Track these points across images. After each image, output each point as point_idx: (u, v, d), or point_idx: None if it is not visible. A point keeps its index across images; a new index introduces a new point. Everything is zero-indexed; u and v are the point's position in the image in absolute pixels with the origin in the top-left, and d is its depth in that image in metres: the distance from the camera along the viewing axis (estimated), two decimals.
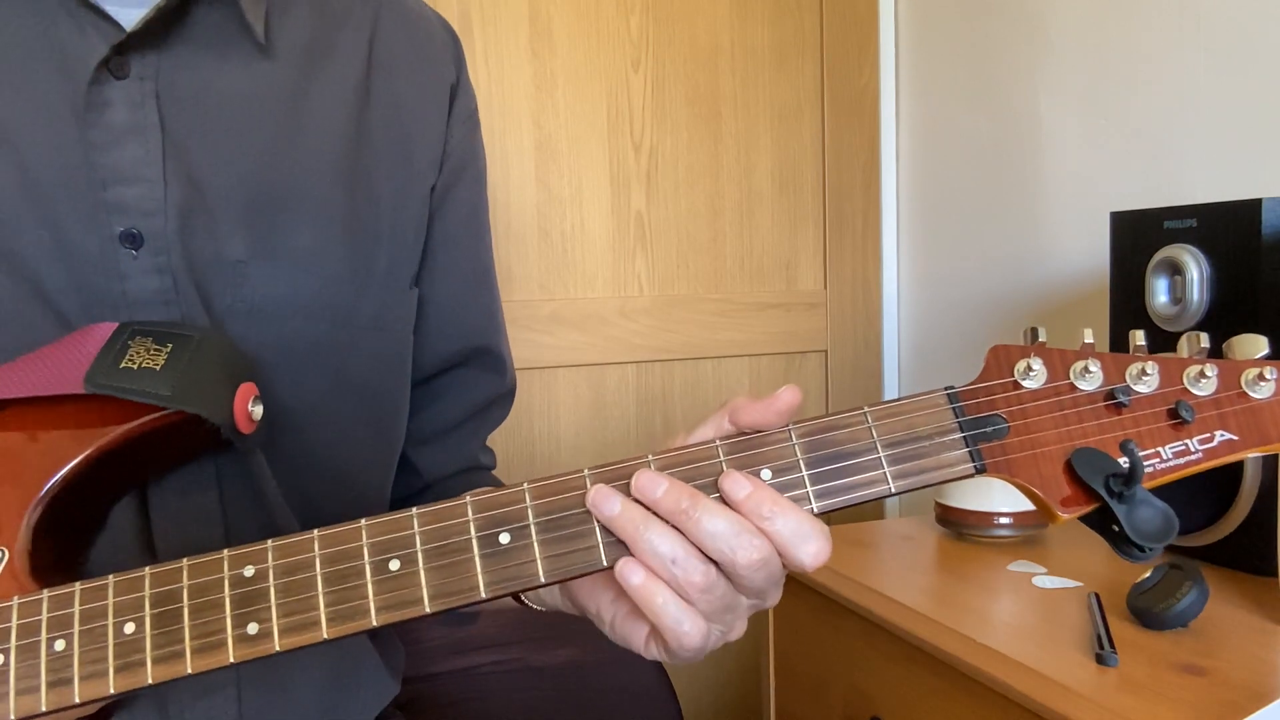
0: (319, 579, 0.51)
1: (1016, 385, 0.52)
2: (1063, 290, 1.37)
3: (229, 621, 0.50)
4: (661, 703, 0.99)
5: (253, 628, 0.50)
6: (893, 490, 0.51)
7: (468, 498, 0.52)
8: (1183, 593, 0.79)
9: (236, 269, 0.65)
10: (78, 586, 0.52)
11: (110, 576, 0.52)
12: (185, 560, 0.51)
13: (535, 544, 0.51)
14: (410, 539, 0.51)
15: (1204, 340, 0.52)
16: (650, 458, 0.52)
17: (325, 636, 0.50)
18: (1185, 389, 0.51)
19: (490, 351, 0.83)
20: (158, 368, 0.55)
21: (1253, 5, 1.10)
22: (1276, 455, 0.85)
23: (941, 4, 1.58)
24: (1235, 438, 0.50)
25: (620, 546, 0.51)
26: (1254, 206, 0.88)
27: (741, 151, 1.62)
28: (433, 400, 0.81)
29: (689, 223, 1.60)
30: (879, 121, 1.68)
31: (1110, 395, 0.51)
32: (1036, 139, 1.41)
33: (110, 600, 0.51)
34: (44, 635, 0.51)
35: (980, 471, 0.51)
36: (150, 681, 0.50)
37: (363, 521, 0.51)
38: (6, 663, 0.51)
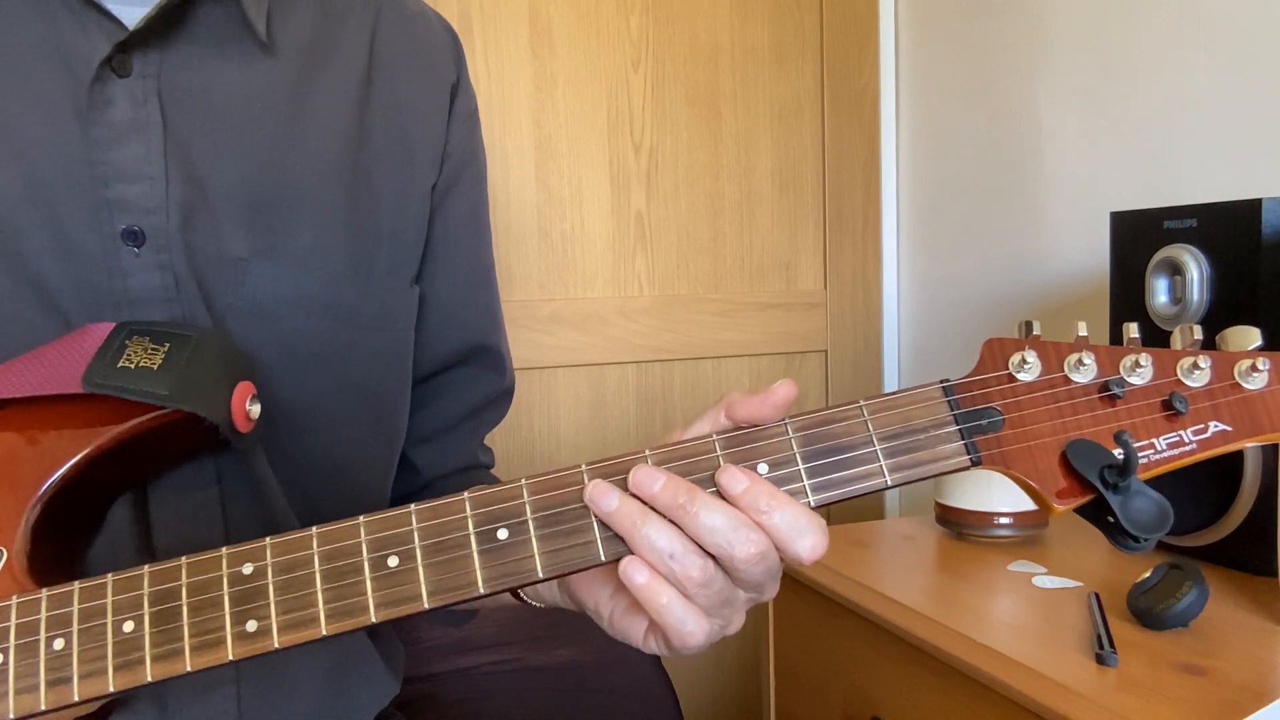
0: (317, 576, 0.51)
1: (1011, 378, 0.52)
2: (1063, 290, 1.37)
3: (228, 619, 0.50)
4: (661, 702, 0.99)
5: (251, 625, 0.50)
6: (889, 483, 0.51)
7: (466, 494, 0.52)
8: (1183, 593, 0.79)
9: (238, 267, 0.65)
10: (76, 585, 0.52)
11: (109, 575, 0.52)
12: (184, 558, 0.51)
13: (533, 539, 0.51)
14: (408, 535, 0.51)
15: (1197, 332, 0.52)
16: (647, 453, 0.52)
17: (324, 633, 0.50)
18: (1179, 380, 0.51)
19: (490, 350, 0.83)
20: (155, 367, 0.55)
21: (1253, 5, 1.10)
22: (1277, 455, 0.86)
23: (941, 4, 1.58)
24: (1229, 428, 0.51)
25: (618, 541, 0.51)
26: (1254, 206, 0.88)
27: (741, 151, 1.62)
28: (432, 398, 0.81)
29: (689, 223, 1.60)
30: (879, 121, 1.68)
31: (1104, 387, 0.51)
32: (1036, 139, 1.41)
33: (109, 599, 0.51)
34: (43, 634, 0.51)
35: (976, 464, 0.51)
36: (149, 679, 0.50)
37: (361, 518, 0.52)
38: (6, 662, 0.51)
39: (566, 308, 1.54)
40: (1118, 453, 0.50)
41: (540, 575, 0.51)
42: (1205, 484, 0.92)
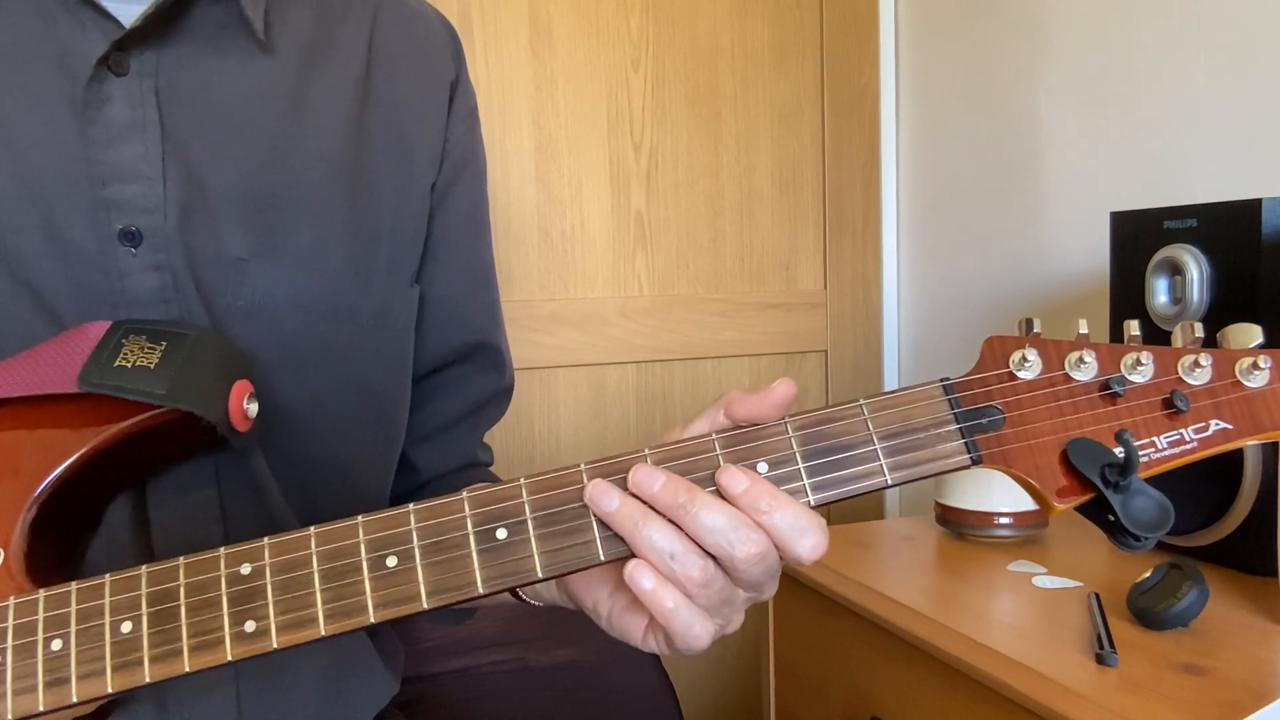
0: (316, 576, 0.50)
1: (1012, 376, 0.52)
2: (1063, 290, 1.37)
3: (226, 619, 0.50)
4: (661, 702, 0.99)
5: (250, 625, 0.50)
6: (889, 482, 0.51)
7: (464, 493, 0.51)
8: (1183, 593, 0.79)
9: (237, 267, 0.64)
10: (74, 586, 0.52)
11: (107, 576, 0.52)
12: (182, 559, 0.51)
13: (532, 539, 0.51)
14: (407, 535, 0.51)
15: (1198, 330, 0.52)
16: (646, 452, 0.52)
17: (323, 634, 0.50)
18: (1180, 379, 0.51)
19: (490, 348, 0.83)
20: (152, 366, 0.55)
21: (1253, 6, 1.10)
22: (1277, 455, 0.85)
23: (941, 4, 1.58)
24: (1230, 427, 0.50)
25: (618, 541, 0.51)
26: (1254, 206, 0.88)
27: (741, 151, 1.62)
28: (431, 397, 0.81)
29: (689, 223, 1.60)
30: (879, 121, 1.68)
31: (1105, 385, 0.51)
32: (1036, 139, 1.40)
33: (107, 599, 0.51)
34: (40, 635, 0.51)
35: (976, 463, 0.51)
36: (148, 680, 0.50)
37: (359, 518, 0.51)
38: (3, 663, 0.51)
39: (566, 308, 1.54)
40: (1118, 451, 0.50)
41: (539, 575, 0.51)
42: (1205, 484, 0.92)
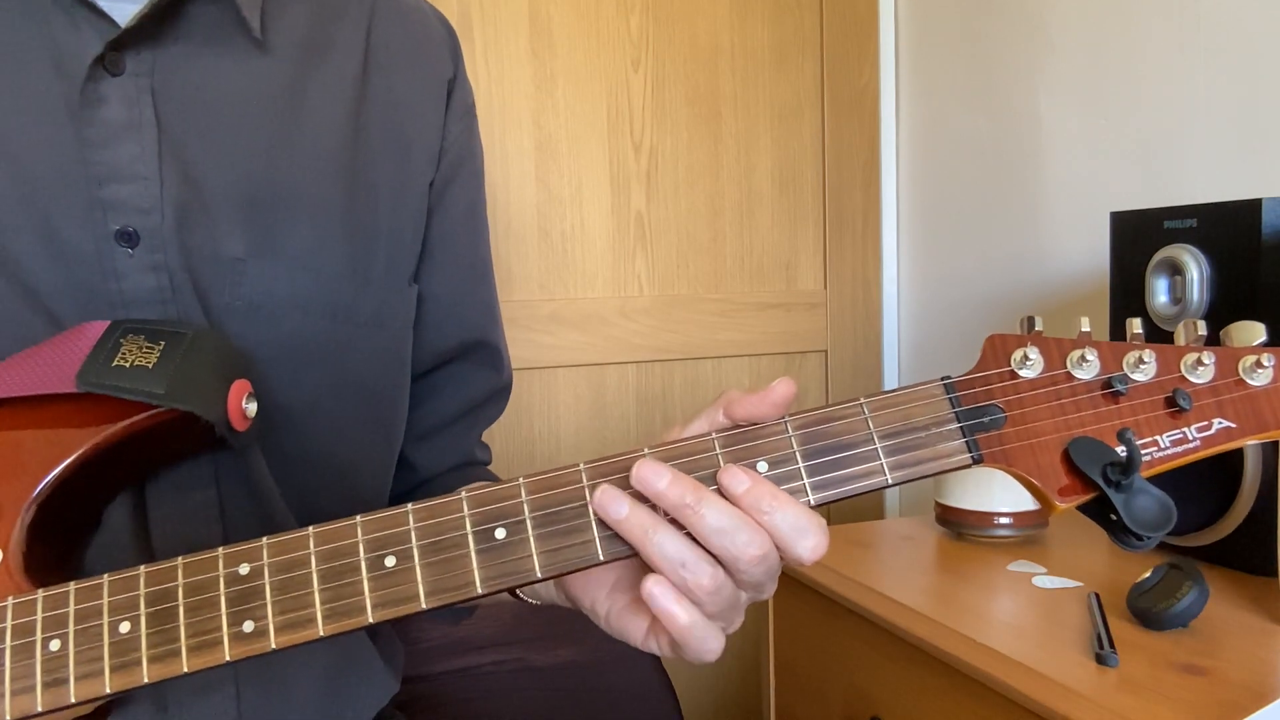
0: (314, 576, 0.50)
1: (1013, 375, 0.52)
2: (1063, 290, 1.37)
3: (224, 620, 0.50)
4: (661, 702, 0.99)
5: (248, 626, 0.50)
6: (890, 481, 0.51)
7: (463, 493, 0.51)
8: (1183, 593, 0.79)
9: (234, 267, 0.64)
10: (72, 586, 0.51)
11: (105, 576, 0.51)
12: (180, 559, 0.51)
13: (531, 539, 0.51)
14: (405, 535, 0.51)
15: (1201, 328, 0.52)
16: (646, 451, 0.52)
17: (321, 634, 0.50)
18: (1183, 377, 0.51)
19: (488, 346, 0.83)
20: (150, 365, 0.55)
21: (1253, 6, 1.10)
22: (1277, 454, 0.85)
23: (941, 4, 1.58)
24: (1233, 425, 0.50)
25: (617, 541, 0.50)
26: (1254, 206, 0.88)
27: (741, 151, 1.62)
28: (429, 395, 0.81)
29: (689, 223, 1.60)
30: (879, 121, 1.68)
31: (1107, 384, 0.51)
32: (1036, 139, 1.40)
33: (105, 599, 0.51)
34: (39, 635, 0.51)
35: (977, 462, 0.51)
36: (146, 680, 0.50)
37: (358, 518, 0.51)
38: (2, 663, 0.50)
39: (566, 308, 1.54)
40: (1120, 450, 0.49)
41: (538, 575, 0.50)
42: (1205, 484, 0.91)
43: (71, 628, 0.51)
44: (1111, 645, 0.76)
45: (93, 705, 0.52)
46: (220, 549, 0.51)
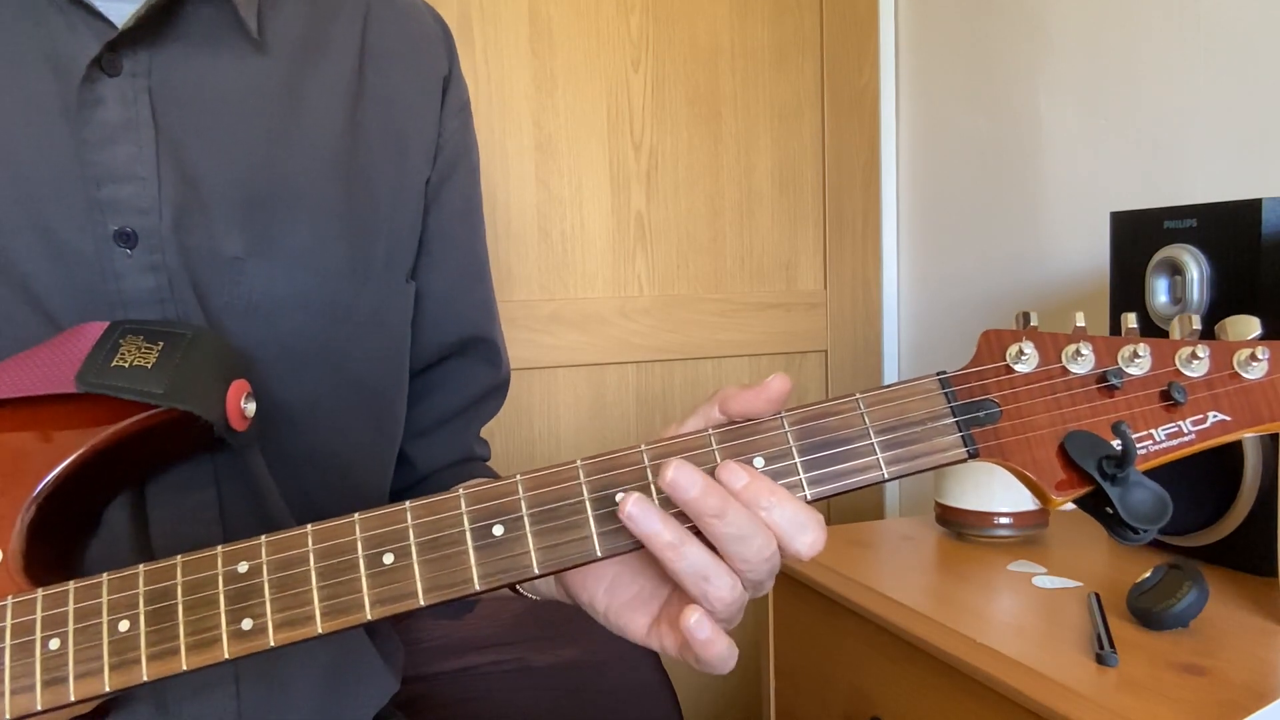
0: (313, 573, 0.50)
1: (1009, 369, 0.52)
2: (1063, 290, 1.37)
3: (223, 618, 0.50)
4: (661, 702, 0.99)
5: (247, 623, 0.50)
6: (886, 476, 0.51)
7: (461, 490, 0.51)
8: (1183, 593, 0.79)
9: (233, 266, 0.64)
10: (72, 585, 0.52)
11: (104, 575, 0.51)
12: (179, 557, 0.51)
13: (529, 535, 0.51)
14: (404, 532, 0.51)
15: (1196, 322, 0.52)
16: (643, 447, 0.52)
17: (320, 631, 0.50)
18: (1178, 370, 0.51)
19: (485, 342, 0.83)
20: (149, 366, 0.55)
21: (1253, 5, 1.10)
22: (1277, 454, 0.85)
23: (941, 4, 1.58)
24: (1228, 418, 0.50)
25: (614, 537, 0.50)
26: (1254, 206, 0.88)
27: (741, 151, 1.62)
28: (428, 392, 0.81)
29: (689, 223, 1.60)
30: (879, 121, 1.68)
31: (1102, 378, 0.51)
32: (1036, 139, 1.40)
33: (104, 598, 0.51)
34: (39, 634, 0.51)
35: (973, 456, 0.51)
36: (145, 679, 0.50)
37: (356, 516, 0.51)
38: (1, 662, 0.51)
39: (566, 308, 1.54)
40: (1116, 444, 0.49)
41: (536, 571, 0.50)
42: (1205, 483, 0.91)
43: (71, 626, 0.51)
44: (1111, 645, 0.76)
45: (92, 704, 0.52)
46: (219, 547, 0.51)
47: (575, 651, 1.00)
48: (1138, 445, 0.50)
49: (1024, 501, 1.05)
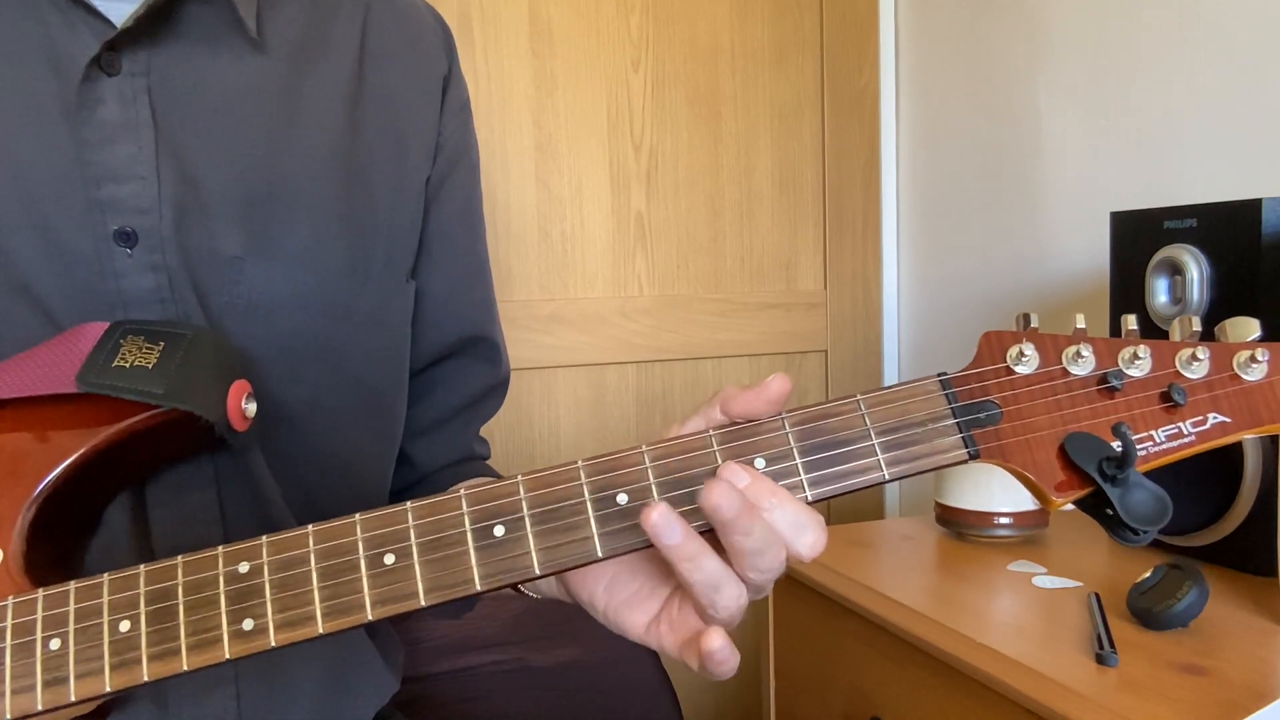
0: (314, 574, 0.50)
1: (1009, 370, 0.52)
2: (1063, 290, 1.37)
3: (224, 618, 0.50)
4: (661, 702, 0.99)
5: (248, 624, 0.50)
6: (886, 477, 0.51)
7: (462, 490, 0.51)
8: (1183, 593, 0.79)
9: (233, 266, 0.64)
10: (72, 585, 0.51)
11: (105, 575, 0.51)
12: (180, 558, 0.51)
13: (530, 536, 0.51)
14: (405, 533, 0.51)
15: (1196, 324, 0.52)
16: (644, 448, 0.52)
17: (321, 631, 0.50)
18: (1177, 372, 0.51)
19: (485, 341, 0.83)
20: (150, 366, 0.55)
21: (1253, 5, 1.10)
22: (1277, 454, 0.85)
23: (941, 4, 1.58)
24: (1228, 420, 0.50)
25: (615, 538, 0.50)
26: (1254, 206, 0.88)
27: (741, 151, 1.62)
28: (428, 391, 0.81)
29: (689, 223, 1.60)
30: (879, 121, 1.68)
31: (1103, 379, 0.51)
32: (1036, 139, 1.40)
33: (105, 598, 0.51)
34: (39, 634, 0.51)
35: (974, 457, 0.51)
36: (146, 679, 0.50)
37: (357, 516, 0.51)
38: (2, 662, 0.50)
39: (566, 308, 1.54)
40: (1116, 445, 0.50)
41: (537, 572, 0.50)
42: (1205, 483, 0.91)
43: (71, 626, 0.51)
44: (1111, 645, 0.76)
45: (93, 704, 0.52)
46: (220, 548, 0.51)
47: (575, 651, 1.00)
48: (1138, 447, 0.50)
49: (1024, 501, 1.05)
